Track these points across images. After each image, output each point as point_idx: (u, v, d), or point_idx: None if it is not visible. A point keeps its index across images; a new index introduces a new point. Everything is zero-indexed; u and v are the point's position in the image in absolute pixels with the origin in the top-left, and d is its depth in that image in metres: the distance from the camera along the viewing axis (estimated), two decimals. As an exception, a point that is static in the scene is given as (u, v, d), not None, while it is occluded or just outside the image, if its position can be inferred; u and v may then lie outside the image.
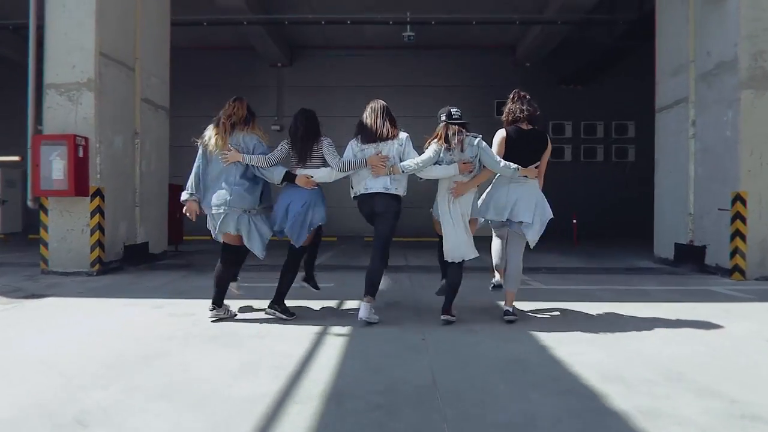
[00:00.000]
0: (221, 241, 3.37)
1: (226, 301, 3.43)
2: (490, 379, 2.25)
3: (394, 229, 3.32)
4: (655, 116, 7.01)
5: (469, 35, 11.44)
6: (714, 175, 5.73)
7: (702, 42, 5.93)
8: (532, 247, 3.40)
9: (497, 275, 3.63)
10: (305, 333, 3.03)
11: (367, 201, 3.26)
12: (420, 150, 3.29)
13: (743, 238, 5.26)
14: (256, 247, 3.27)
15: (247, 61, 12.22)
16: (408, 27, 9.81)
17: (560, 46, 11.17)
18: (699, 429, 1.77)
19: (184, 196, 3.31)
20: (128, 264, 6.06)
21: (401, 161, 3.21)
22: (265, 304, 3.44)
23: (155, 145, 6.86)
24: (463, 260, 3.25)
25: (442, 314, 3.23)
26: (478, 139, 3.20)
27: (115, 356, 2.57)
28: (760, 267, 5.25)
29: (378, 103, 3.36)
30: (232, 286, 3.51)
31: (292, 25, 10.73)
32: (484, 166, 3.24)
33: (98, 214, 5.51)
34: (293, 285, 3.44)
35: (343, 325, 3.23)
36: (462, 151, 3.15)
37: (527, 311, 3.68)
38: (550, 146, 3.40)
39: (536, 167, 3.31)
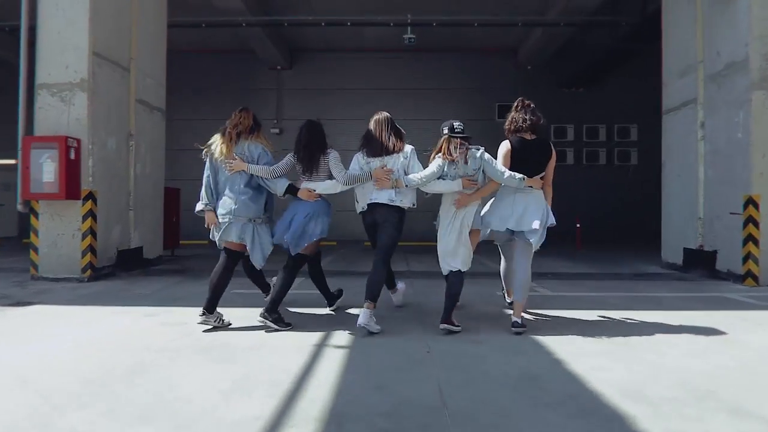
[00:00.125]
0: (222, 247, 3.35)
1: (219, 309, 3.27)
2: (503, 398, 2.08)
3: (396, 240, 3.31)
4: (662, 118, 6.86)
5: (470, 38, 11.34)
6: (725, 178, 5.57)
7: (711, 42, 5.79)
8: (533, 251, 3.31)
9: (511, 298, 3.63)
10: (303, 344, 2.85)
11: (370, 211, 3.29)
12: (424, 162, 3.30)
13: (756, 242, 5.09)
14: (257, 258, 3.27)
15: (247, 65, 12.11)
16: (409, 29, 9.69)
17: (562, 49, 11.07)
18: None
19: (199, 207, 3.33)
20: (121, 269, 5.88)
21: (406, 174, 3.22)
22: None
23: (150, 148, 6.70)
24: (460, 270, 3.19)
25: (442, 323, 3.09)
26: (480, 151, 3.19)
27: (98, 371, 2.39)
28: (775, 273, 5.09)
29: (382, 115, 3.38)
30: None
31: (292, 28, 10.62)
32: (489, 179, 3.21)
33: (90, 217, 5.34)
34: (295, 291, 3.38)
35: (343, 335, 3.05)
36: (465, 164, 3.15)
37: (536, 320, 3.50)
38: (554, 155, 3.37)
39: (541, 178, 3.29)
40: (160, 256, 7.02)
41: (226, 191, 3.25)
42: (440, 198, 3.34)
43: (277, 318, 3.18)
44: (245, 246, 3.27)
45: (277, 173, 3.26)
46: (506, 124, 3.39)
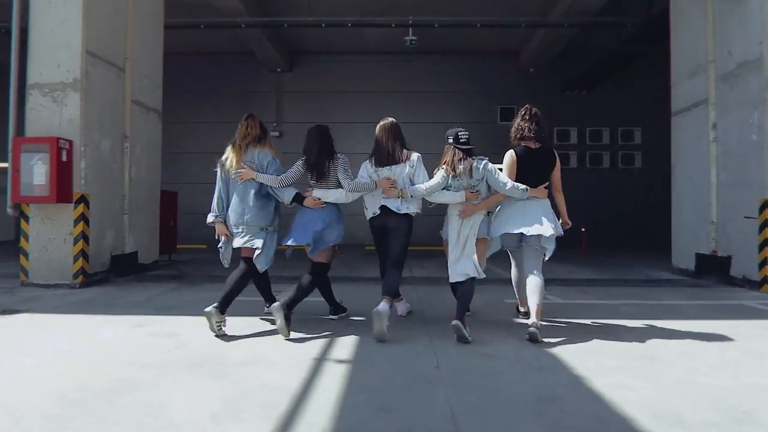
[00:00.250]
0: (228, 264, 3.44)
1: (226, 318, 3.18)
2: (523, 424, 1.87)
3: (407, 247, 3.36)
4: (671, 119, 6.69)
5: (472, 40, 11.21)
6: (739, 181, 5.39)
7: (722, 41, 5.63)
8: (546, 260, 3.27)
9: (524, 308, 3.57)
10: (302, 358, 2.65)
11: (380, 217, 3.33)
12: (430, 169, 3.32)
13: (773, 248, 4.90)
14: (261, 262, 3.32)
15: (247, 67, 11.97)
16: (410, 31, 9.56)
17: (564, 51, 10.94)
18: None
19: (210, 218, 3.40)
20: (115, 275, 5.69)
21: (412, 182, 3.28)
22: (263, 321, 3.28)
23: (146, 149, 6.52)
24: (473, 278, 3.14)
25: (454, 320, 2.96)
26: (484, 162, 3.20)
27: (78, 389, 2.19)
28: (793, 279, 4.89)
29: (387, 122, 3.41)
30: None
31: (292, 30, 10.49)
32: (494, 189, 3.22)
33: (82, 221, 5.16)
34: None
35: (345, 348, 2.85)
36: (470, 177, 3.16)
37: (550, 330, 3.30)
38: (558, 163, 3.36)
39: (545, 187, 3.28)
40: (156, 261, 6.83)
41: (238, 201, 3.29)
42: (445, 206, 3.31)
43: (287, 315, 3.13)
44: (251, 250, 3.32)
45: (285, 183, 3.30)
46: (512, 131, 3.38)
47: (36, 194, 5.00)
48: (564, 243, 3.36)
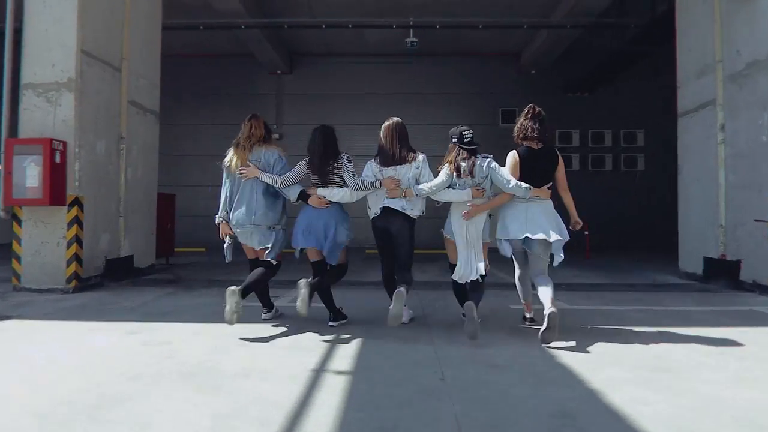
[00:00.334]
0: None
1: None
2: (536, 442, 1.75)
3: (413, 250, 3.38)
4: (678, 121, 6.57)
5: (473, 42, 11.12)
6: (748, 183, 5.26)
7: (730, 41, 5.52)
8: (555, 266, 3.22)
9: (530, 314, 3.51)
10: (299, 369, 2.52)
11: (383, 217, 3.30)
12: (435, 170, 3.32)
13: (785, 252, 4.77)
14: (270, 255, 3.37)
15: (247, 69, 11.89)
16: (411, 32, 9.46)
17: (566, 53, 10.84)
18: None
19: (217, 219, 3.46)
20: (110, 279, 5.56)
21: (418, 183, 3.26)
22: (263, 327, 3.41)
23: (143, 151, 6.40)
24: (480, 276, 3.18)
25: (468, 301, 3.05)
26: (488, 160, 3.20)
27: (60, 404, 2.06)
28: (805, 284, 4.76)
29: (392, 122, 3.39)
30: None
31: (292, 32, 10.41)
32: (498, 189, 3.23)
33: (76, 224, 5.03)
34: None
35: (345, 358, 2.72)
36: (473, 177, 3.17)
37: (558, 338, 3.16)
38: (561, 162, 3.33)
39: (549, 188, 3.25)
40: (153, 265, 6.69)
41: (245, 200, 3.30)
42: (448, 206, 3.31)
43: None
44: (264, 251, 3.39)
45: (288, 183, 3.30)
46: (515, 130, 3.36)
47: (29, 197, 4.88)
48: (567, 246, 3.29)
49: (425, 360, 2.70)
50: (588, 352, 2.87)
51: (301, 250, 3.41)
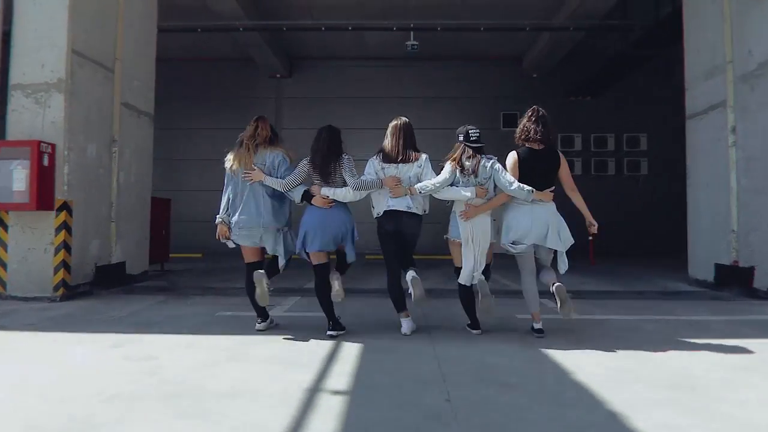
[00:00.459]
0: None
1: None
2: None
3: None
4: (686, 123, 6.40)
5: (474, 46, 11.00)
6: (762, 188, 5.08)
7: (741, 40, 5.36)
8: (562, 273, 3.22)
9: (538, 324, 3.38)
10: (292, 389, 2.31)
11: (392, 218, 3.26)
12: (438, 170, 3.29)
13: (802, 258, 4.58)
14: (281, 262, 3.39)
15: (246, 73, 11.77)
16: (411, 35, 9.34)
17: (569, 56, 10.72)
18: None
19: (217, 219, 3.42)
20: (100, 287, 5.36)
21: (420, 182, 3.23)
22: (256, 339, 3.26)
23: (136, 154, 6.23)
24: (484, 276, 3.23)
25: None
26: (492, 161, 3.20)
27: (23, 430, 1.86)
28: (824, 292, 4.56)
29: (400, 122, 3.39)
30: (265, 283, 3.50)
31: (292, 35, 10.28)
32: (498, 189, 3.21)
33: (64, 230, 4.84)
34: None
35: (342, 375, 2.52)
36: (476, 176, 3.17)
37: (572, 352, 2.96)
38: (564, 163, 3.29)
39: (551, 191, 3.21)
40: (146, 272, 6.50)
41: (251, 203, 3.29)
42: (450, 208, 3.29)
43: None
44: (263, 254, 3.42)
45: (289, 186, 3.28)
46: (517, 132, 3.34)
47: (15, 201, 4.70)
48: (571, 251, 3.25)
49: (429, 377, 2.50)
50: (604, 368, 2.67)
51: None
